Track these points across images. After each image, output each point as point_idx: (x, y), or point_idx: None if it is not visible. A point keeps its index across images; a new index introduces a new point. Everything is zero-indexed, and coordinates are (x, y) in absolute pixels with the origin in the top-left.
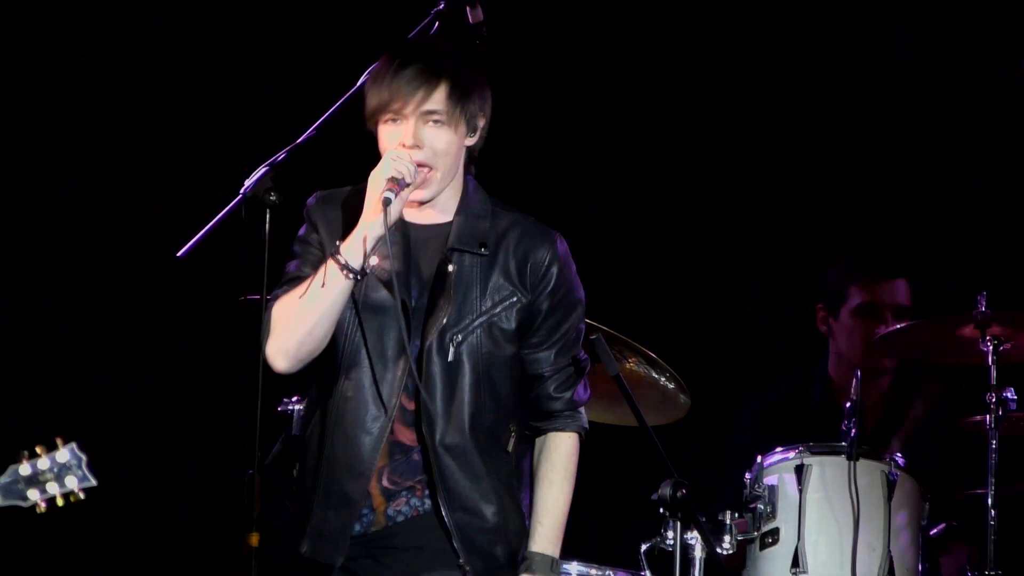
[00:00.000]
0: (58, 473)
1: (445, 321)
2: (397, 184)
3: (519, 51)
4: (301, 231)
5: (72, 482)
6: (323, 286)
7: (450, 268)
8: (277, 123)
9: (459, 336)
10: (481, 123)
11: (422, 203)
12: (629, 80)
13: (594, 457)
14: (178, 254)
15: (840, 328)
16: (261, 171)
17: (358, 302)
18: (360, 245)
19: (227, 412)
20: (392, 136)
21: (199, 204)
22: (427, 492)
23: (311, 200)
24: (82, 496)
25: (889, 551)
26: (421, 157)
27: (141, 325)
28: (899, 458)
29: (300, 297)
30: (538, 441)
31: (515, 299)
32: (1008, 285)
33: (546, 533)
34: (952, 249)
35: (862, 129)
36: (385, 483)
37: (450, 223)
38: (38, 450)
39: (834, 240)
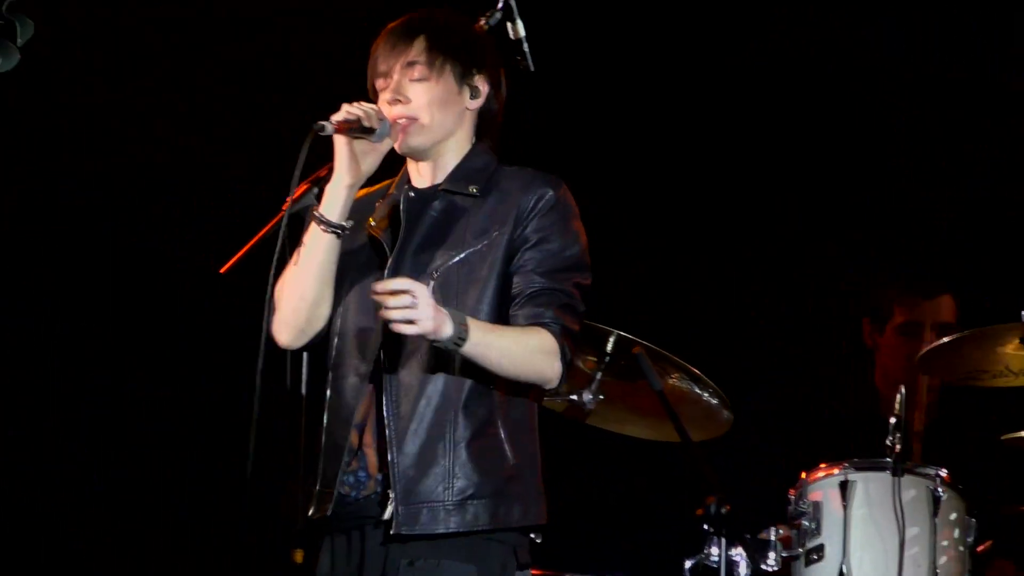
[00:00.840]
0: None
1: (427, 256)
2: (343, 123)
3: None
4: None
5: None
6: (305, 246)
7: (439, 213)
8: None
9: (437, 272)
10: (482, 86)
11: (414, 155)
12: (627, 81)
13: (638, 473)
14: (220, 271)
15: (885, 344)
16: (305, 187)
17: (349, 256)
18: (335, 197)
19: (227, 412)
20: (383, 99)
21: (201, 204)
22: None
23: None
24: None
25: (935, 568)
26: (403, 110)
27: (141, 325)
28: (944, 474)
29: (291, 269)
30: None
31: (498, 232)
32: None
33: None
34: (953, 250)
35: (859, 127)
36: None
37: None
38: None
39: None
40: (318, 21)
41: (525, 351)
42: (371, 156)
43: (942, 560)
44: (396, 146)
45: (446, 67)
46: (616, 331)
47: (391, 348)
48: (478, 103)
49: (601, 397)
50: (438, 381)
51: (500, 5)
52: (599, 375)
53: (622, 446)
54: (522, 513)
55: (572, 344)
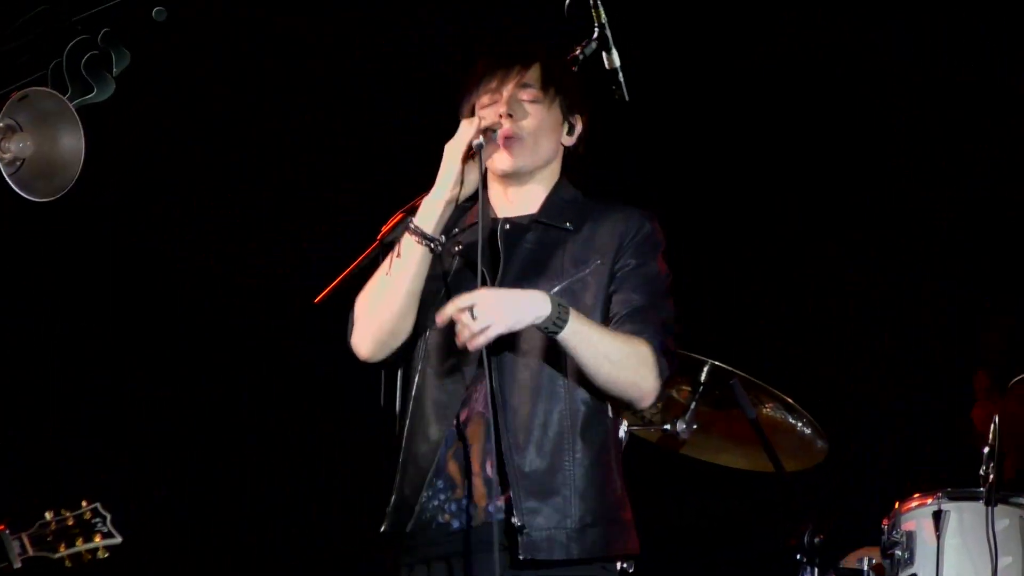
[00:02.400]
0: (84, 530)
1: (527, 286)
2: (487, 133)
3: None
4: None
5: (97, 539)
6: (399, 257)
7: (534, 245)
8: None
9: None
10: (578, 125)
11: (509, 176)
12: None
13: (732, 502)
14: (315, 300)
15: (1006, 405)
16: (400, 217)
17: (440, 281)
18: (432, 210)
19: (227, 413)
20: (489, 115)
21: (206, 206)
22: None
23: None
24: (107, 554)
25: None
26: (511, 127)
27: (141, 325)
28: None
29: (378, 280)
30: None
31: (598, 262)
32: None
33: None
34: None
35: (862, 128)
36: (488, 472)
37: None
38: (62, 511)
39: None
40: (318, 22)
41: (623, 355)
42: (474, 173)
43: None
44: (495, 165)
45: (557, 98)
46: (711, 360)
47: (503, 374)
48: (572, 140)
49: (695, 426)
50: (552, 407)
51: (595, 35)
52: (693, 404)
53: (716, 475)
54: (626, 541)
55: (671, 362)
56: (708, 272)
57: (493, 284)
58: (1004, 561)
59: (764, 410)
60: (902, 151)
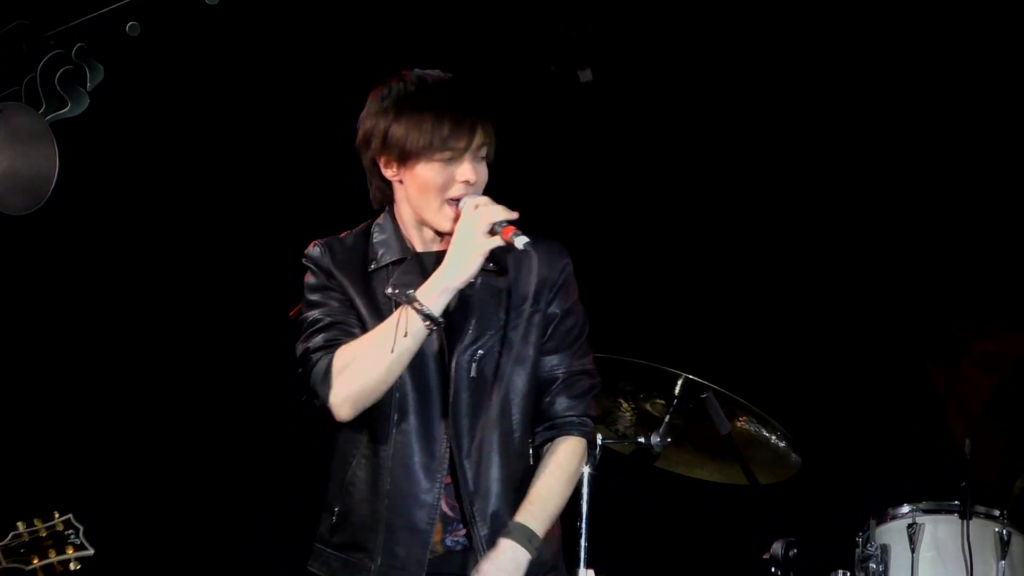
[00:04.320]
0: (57, 541)
1: (466, 340)
2: (512, 224)
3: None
4: (312, 279)
5: (70, 551)
6: (405, 335)
7: (466, 289)
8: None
9: (480, 351)
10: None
11: (445, 234)
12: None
13: (706, 515)
14: (290, 314)
15: (961, 381)
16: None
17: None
18: (444, 296)
19: (228, 420)
20: (444, 173)
21: (179, 217)
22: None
23: (314, 250)
24: (79, 566)
25: None
26: (471, 190)
27: (144, 330)
28: (1011, 516)
29: (370, 348)
30: (546, 449)
31: (531, 311)
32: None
33: (532, 511)
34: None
35: (835, 146)
36: (444, 508)
37: None
38: (35, 522)
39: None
40: (293, 33)
41: (569, 485)
42: (485, 252)
43: None
44: (449, 226)
45: (492, 150)
46: (685, 374)
47: (458, 426)
48: None
49: (669, 440)
50: (507, 455)
51: (567, 50)
52: (667, 418)
53: (690, 489)
54: (554, 553)
55: (595, 409)
56: (682, 286)
57: (452, 351)
58: (979, 574)
59: (738, 423)
60: (875, 169)
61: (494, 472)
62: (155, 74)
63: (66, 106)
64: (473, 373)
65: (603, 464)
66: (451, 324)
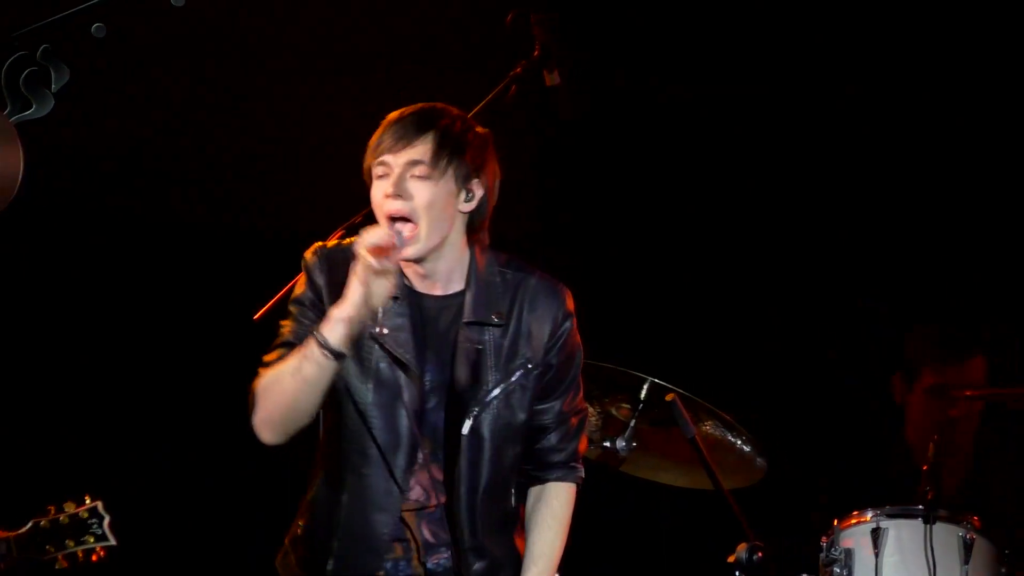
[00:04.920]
0: (77, 531)
1: (464, 395)
2: (380, 250)
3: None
4: (299, 289)
5: (90, 540)
6: (304, 365)
7: (466, 342)
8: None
9: (476, 408)
10: (478, 190)
11: (415, 262)
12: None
13: (671, 519)
14: (254, 318)
15: (914, 403)
16: (340, 234)
17: (370, 372)
18: (341, 327)
19: (228, 420)
20: (379, 189)
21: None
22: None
23: (311, 257)
24: (102, 554)
25: None
26: (401, 206)
27: (144, 330)
28: (975, 520)
29: (284, 372)
30: (535, 489)
31: (531, 365)
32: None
33: (539, 573)
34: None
35: (802, 151)
36: (426, 535)
37: (462, 293)
38: (65, 507)
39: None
40: (388, 90)
41: (564, 535)
42: (385, 284)
43: None
44: (403, 254)
45: (449, 170)
46: (650, 378)
47: (451, 463)
48: (471, 206)
49: (635, 444)
50: (494, 496)
51: (536, 53)
52: (633, 422)
53: (654, 493)
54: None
55: (584, 443)
56: (648, 290)
57: (427, 395)
58: None
59: (704, 428)
60: (843, 174)
61: (478, 521)
62: (121, 75)
63: (31, 107)
64: (466, 430)
65: None
66: (450, 379)
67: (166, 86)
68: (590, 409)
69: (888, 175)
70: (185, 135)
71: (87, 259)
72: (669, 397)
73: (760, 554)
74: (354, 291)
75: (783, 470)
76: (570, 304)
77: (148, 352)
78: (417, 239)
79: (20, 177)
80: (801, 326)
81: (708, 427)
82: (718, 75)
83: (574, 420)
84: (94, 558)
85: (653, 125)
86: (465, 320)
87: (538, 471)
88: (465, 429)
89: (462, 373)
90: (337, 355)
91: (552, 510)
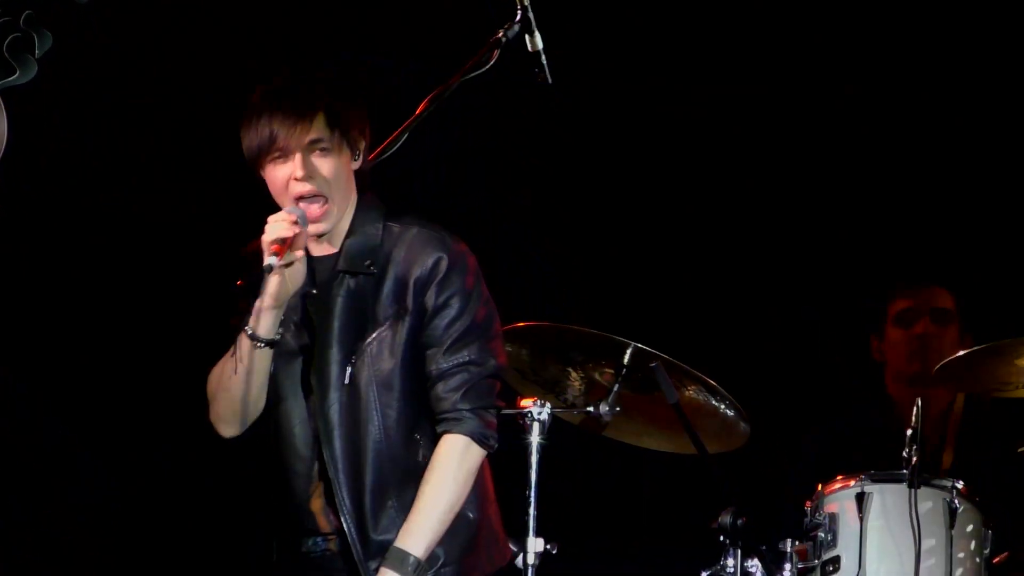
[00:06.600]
0: None
1: (337, 346)
2: (280, 245)
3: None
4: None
5: None
6: (241, 361)
7: (344, 294)
8: None
9: (354, 357)
10: (362, 145)
11: (321, 236)
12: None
13: (654, 484)
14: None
15: (888, 347)
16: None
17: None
18: (266, 317)
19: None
20: (281, 174)
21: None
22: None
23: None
24: None
25: None
26: (313, 186)
27: (144, 330)
28: (961, 486)
29: (227, 369)
30: None
31: (401, 309)
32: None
33: (411, 529)
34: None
35: (781, 127)
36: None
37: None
38: None
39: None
40: (376, 54)
41: (452, 485)
42: (298, 265)
43: (958, 572)
44: (316, 229)
45: (346, 142)
46: (633, 343)
47: (328, 425)
48: (359, 162)
49: (618, 409)
50: (382, 450)
51: (518, 18)
52: (616, 387)
53: (638, 458)
54: (488, 559)
55: (489, 416)
56: (629, 255)
57: (323, 360)
58: (927, 543)
59: (687, 393)
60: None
61: (368, 477)
62: (104, 41)
63: (15, 73)
64: (346, 380)
65: (551, 433)
66: (319, 333)
67: (160, 84)
68: (573, 374)
69: (887, 175)
70: (177, 134)
71: (87, 259)
72: (652, 362)
73: (744, 519)
74: (270, 283)
75: (767, 434)
76: (457, 254)
77: (148, 352)
78: (329, 215)
79: (4, 143)
80: (784, 291)
81: (692, 392)
82: (718, 75)
83: (461, 373)
84: None
85: (653, 125)
86: (338, 269)
87: (438, 425)
88: (346, 379)
89: (342, 324)
90: (269, 342)
91: (434, 461)
